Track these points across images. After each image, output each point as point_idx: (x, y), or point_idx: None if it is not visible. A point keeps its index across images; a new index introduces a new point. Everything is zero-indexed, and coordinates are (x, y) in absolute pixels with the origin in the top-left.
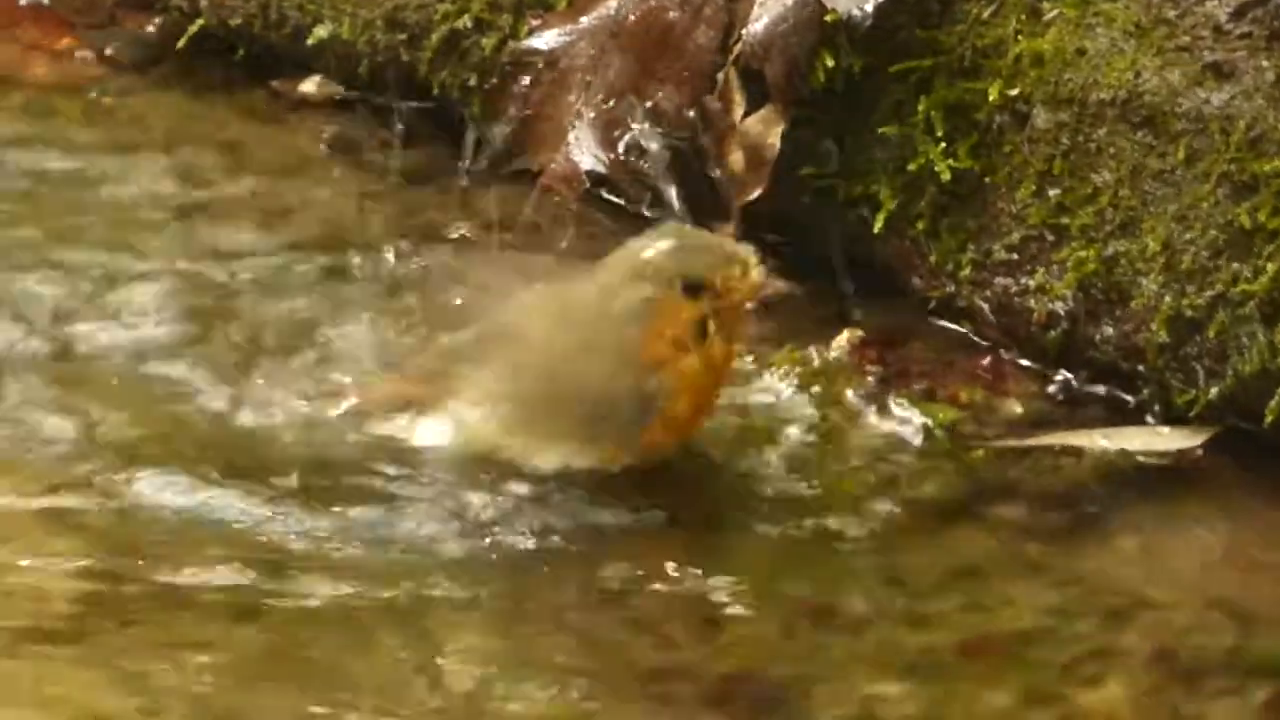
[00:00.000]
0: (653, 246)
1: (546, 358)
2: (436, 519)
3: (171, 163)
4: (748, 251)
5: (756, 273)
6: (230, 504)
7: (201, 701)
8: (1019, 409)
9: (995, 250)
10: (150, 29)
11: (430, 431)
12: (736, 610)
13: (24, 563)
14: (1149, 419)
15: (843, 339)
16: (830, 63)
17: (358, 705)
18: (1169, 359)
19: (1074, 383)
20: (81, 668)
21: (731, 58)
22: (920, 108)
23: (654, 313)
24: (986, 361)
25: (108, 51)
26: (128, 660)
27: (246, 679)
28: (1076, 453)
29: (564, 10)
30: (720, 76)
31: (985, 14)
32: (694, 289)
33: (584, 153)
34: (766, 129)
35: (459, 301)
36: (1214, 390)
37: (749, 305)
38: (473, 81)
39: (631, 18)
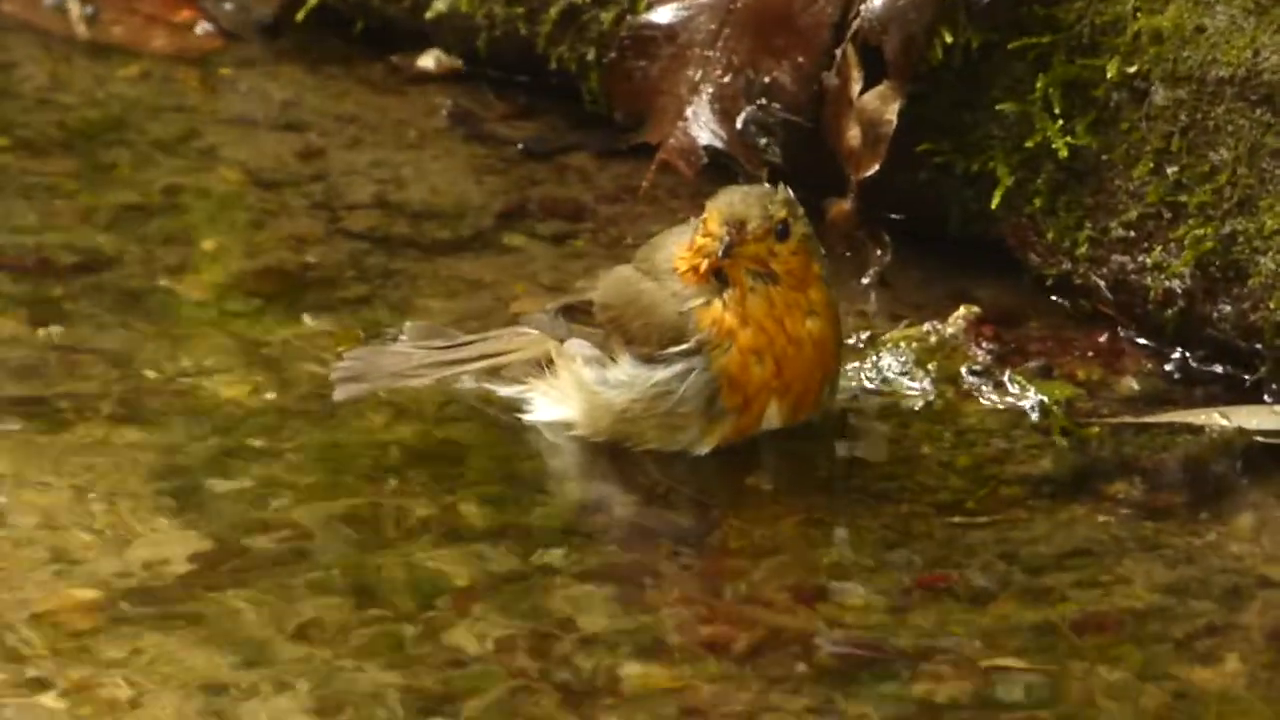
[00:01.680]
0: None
1: (623, 308)
2: (546, 491)
3: (289, 136)
4: (760, 215)
5: (772, 213)
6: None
7: (318, 674)
8: (1135, 386)
9: (1112, 228)
10: (266, 5)
11: (544, 406)
12: (850, 583)
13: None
14: (1266, 397)
15: (959, 315)
16: (948, 38)
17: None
18: None
19: (1191, 361)
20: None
21: (849, 33)
22: (1038, 85)
23: (685, 245)
24: (1103, 339)
25: (227, 24)
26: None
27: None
28: (1193, 430)
29: None
30: (838, 52)
31: None
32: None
33: (701, 128)
34: (884, 105)
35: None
36: None
37: (784, 254)
38: (590, 56)
39: None
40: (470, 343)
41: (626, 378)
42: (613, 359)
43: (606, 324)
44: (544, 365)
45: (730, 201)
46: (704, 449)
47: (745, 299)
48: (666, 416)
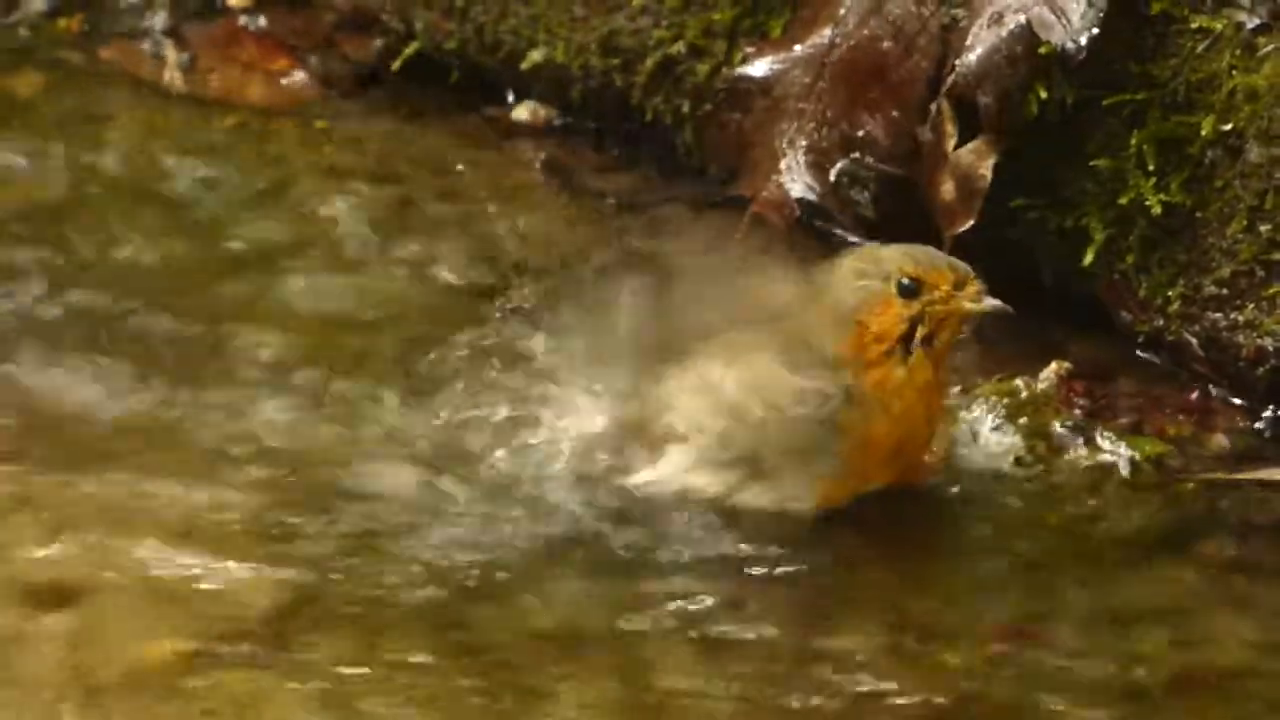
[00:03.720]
0: (881, 249)
1: (745, 377)
2: (637, 550)
3: (384, 188)
4: (968, 268)
5: (976, 286)
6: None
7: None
8: (1227, 444)
9: (1205, 285)
10: (364, 53)
11: (645, 470)
12: (941, 639)
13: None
14: None
15: (1050, 371)
16: (1043, 94)
17: None
18: None
19: None
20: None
21: (945, 88)
22: (1132, 141)
23: (864, 302)
24: (1194, 396)
25: (323, 75)
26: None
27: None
28: None
29: (778, 38)
30: (933, 107)
31: (1200, 48)
32: (911, 289)
33: (796, 181)
34: (979, 160)
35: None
36: None
37: (963, 323)
38: (686, 108)
39: (845, 47)
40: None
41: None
42: None
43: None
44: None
45: (950, 261)
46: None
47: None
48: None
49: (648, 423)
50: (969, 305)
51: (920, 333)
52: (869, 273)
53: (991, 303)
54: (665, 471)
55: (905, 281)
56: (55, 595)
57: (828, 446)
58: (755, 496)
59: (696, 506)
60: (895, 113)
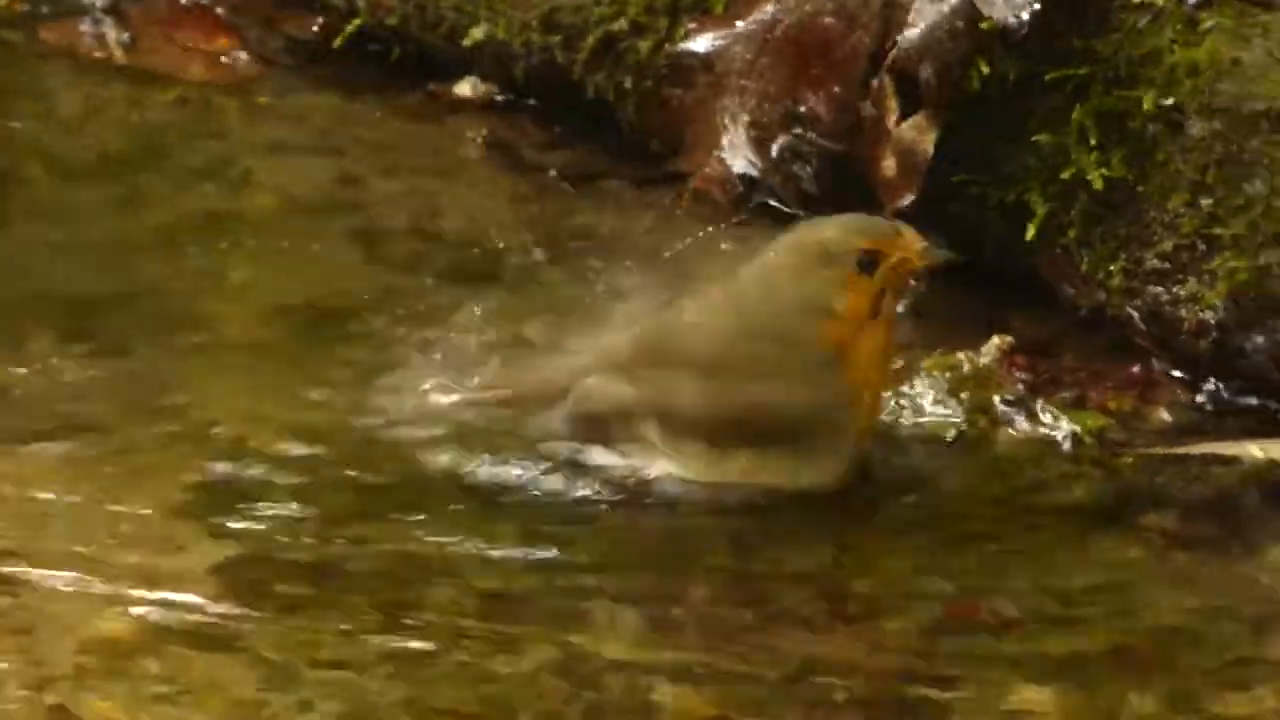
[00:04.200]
0: (823, 229)
1: (720, 368)
2: (584, 517)
3: (325, 161)
4: (902, 224)
5: (919, 241)
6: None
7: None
8: (1168, 418)
9: (1147, 259)
10: (305, 30)
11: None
12: (881, 611)
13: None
14: None
15: (992, 345)
16: (985, 69)
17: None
18: None
19: (1224, 392)
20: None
21: (887, 63)
22: (1074, 116)
23: (832, 290)
24: (1136, 370)
25: (265, 52)
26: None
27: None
28: (1226, 462)
29: (720, 14)
30: (874, 82)
31: (1141, 23)
32: (870, 263)
33: (738, 156)
34: (920, 135)
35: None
36: None
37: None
38: (628, 84)
39: (787, 23)
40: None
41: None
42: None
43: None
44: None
45: (880, 223)
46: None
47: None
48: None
49: (629, 401)
50: (923, 260)
51: (886, 301)
52: (825, 259)
53: (942, 253)
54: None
55: (863, 258)
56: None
57: (839, 443)
58: (771, 477)
59: (648, 484)
60: (837, 88)
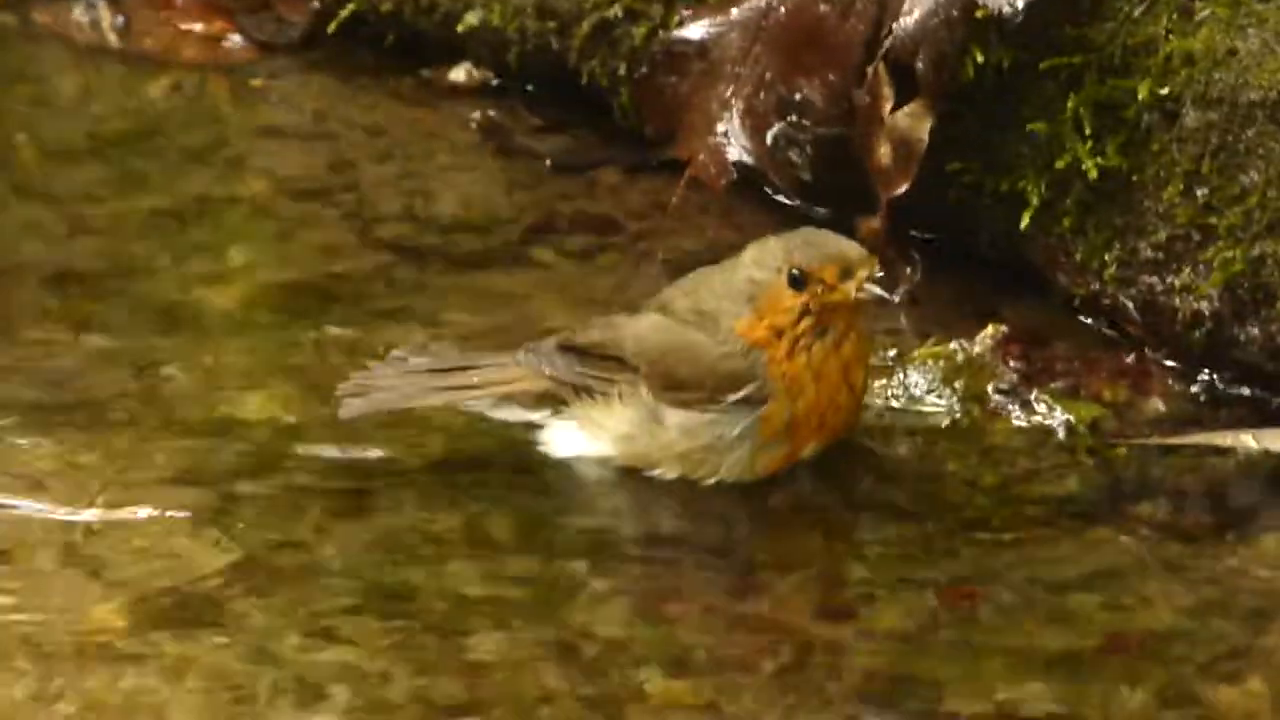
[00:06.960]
0: (786, 238)
1: (666, 357)
2: (560, 510)
3: (319, 145)
4: (864, 257)
5: (865, 273)
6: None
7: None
8: (1162, 408)
9: (1141, 249)
10: (298, 17)
11: (563, 434)
12: (873, 602)
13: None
14: None
15: (986, 334)
16: (980, 58)
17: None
18: None
19: (1218, 383)
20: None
21: (881, 51)
22: (1069, 105)
23: (756, 296)
24: (1130, 360)
25: (259, 36)
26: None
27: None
28: (1220, 452)
29: (715, 2)
30: (869, 70)
31: (1136, 12)
32: (799, 281)
33: (732, 143)
34: (915, 123)
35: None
36: None
37: (856, 310)
38: (622, 71)
39: (782, 10)
40: (469, 368)
41: (688, 423)
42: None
43: (646, 372)
44: (550, 399)
45: (840, 250)
46: (748, 478)
47: (823, 351)
48: (719, 453)
49: (575, 388)
50: (854, 295)
51: (808, 322)
52: (763, 264)
53: (873, 291)
54: (589, 442)
55: (794, 273)
56: None
57: (750, 434)
58: (691, 469)
59: (623, 476)
60: (832, 76)
